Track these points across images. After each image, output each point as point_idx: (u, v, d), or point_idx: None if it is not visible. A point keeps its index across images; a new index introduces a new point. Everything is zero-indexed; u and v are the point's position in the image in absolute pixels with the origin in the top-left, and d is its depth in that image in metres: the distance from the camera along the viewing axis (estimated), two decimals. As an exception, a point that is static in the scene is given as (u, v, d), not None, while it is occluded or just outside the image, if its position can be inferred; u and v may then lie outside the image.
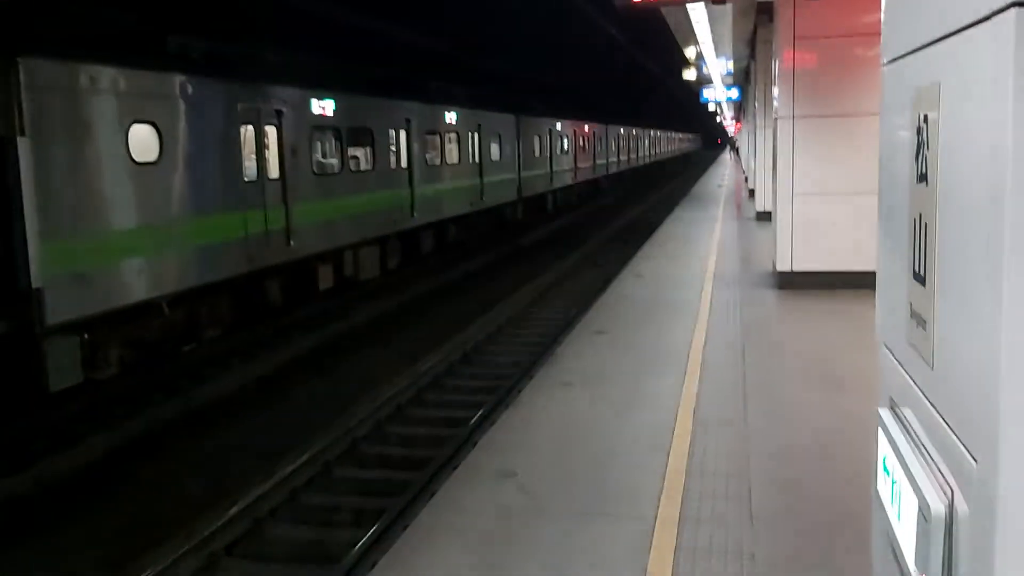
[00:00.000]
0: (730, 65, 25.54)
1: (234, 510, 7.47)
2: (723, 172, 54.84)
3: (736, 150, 70.16)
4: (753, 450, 6.30)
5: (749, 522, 5.08)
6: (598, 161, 40.69)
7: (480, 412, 9.87)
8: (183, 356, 11.89)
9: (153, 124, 10.68)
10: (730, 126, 75.22)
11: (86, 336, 9.77)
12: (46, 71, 9.10)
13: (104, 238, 9.89)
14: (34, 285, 8.81)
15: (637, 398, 7.71)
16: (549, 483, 5.77)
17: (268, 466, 8.42)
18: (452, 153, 21.13)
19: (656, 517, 5.19)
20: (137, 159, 10.35)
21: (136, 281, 10.41)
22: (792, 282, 12.39)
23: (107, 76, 9.95)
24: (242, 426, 10.28)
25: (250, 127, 12.73)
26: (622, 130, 48.74)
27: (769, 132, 16.61)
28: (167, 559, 6.65)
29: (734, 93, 32.96)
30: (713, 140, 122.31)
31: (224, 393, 11.28)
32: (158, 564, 6.59)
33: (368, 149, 16.65)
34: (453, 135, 21.18)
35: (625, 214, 34.27)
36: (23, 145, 8.65)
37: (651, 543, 4.84)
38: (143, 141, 10.52)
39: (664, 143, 75.43)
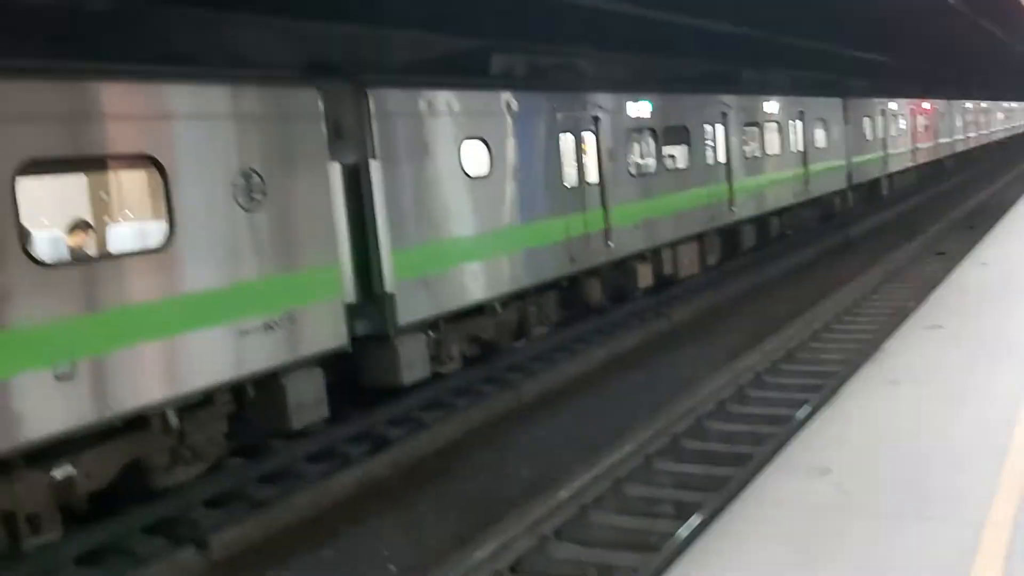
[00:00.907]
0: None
1: (562, 495, 7.98)
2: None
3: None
4: (1111, 455, 5.65)
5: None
6: (941, 140, 37.38)
7: (802, 410, 9.65)
8: (515, 352, 12.75)
9: (483, 140, 11.60)
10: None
11: (432, 335, 10.85)
12: (391, 99, 10.24)
13: (445, 246, 10.92)
14: (388, 290, 9.97)
15: (973, 395, 7.16)
16: (866, 482, 5.58)
17: (592, 457, 8.87)
18: (773, 143, 20.54)
19: (986, 521, 4.86)
20: (470, 173, 11.30)
21: (473, 284, 11.36)
22: None
23: (441, 99, 10.98)
24: (568, 418, 10.88)
25: (569, 135, 13.36)
26: (969, 104, 44.32)
27: None
28: (503, 537, 7.27)
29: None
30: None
31: (551, 387, 12.00)
32: (495, 541, 7.23)
33: (684, 147, 16.74)
34: (773, 124, 20.59)
35: (973, 196, 31.25)
36: (374, 167, 9.84)
37: (978, 547, 4.55)
38: (475, 156, 11.47)
39: (1021, 115, 67.36)
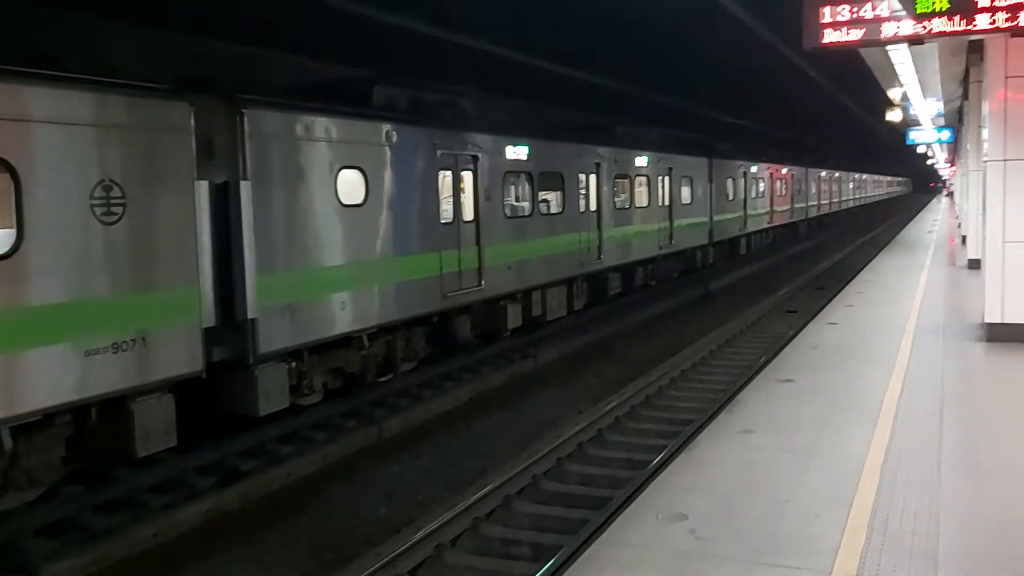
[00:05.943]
0: (940, 106, 24.25)
1: (419, 535, 7.81)
2: (935, 217, 51.76)
3: (951, 194, 66.40)
4: (945, 511, 5.96)
5: (932, 583, 4.84)
6: (796, 205, 39.50)
7: (660, 456, 9.82)
8: (379, 387, 12.52)
9: (360, 169, 11.44)
10: (944, 169, 71.25)
11: (294, 364, 10.52)
12: (266, 120, 9.99)
13: (313, 274, 10.66)
14: (249, 316, 9.63)
15: (821, 448, 7.47)
16: (720, 528, 5.71)
17: (452, 496, 8.74)
18: (642, 196, 21.18)
19: (833, 570, 5.03)
20: (345, 202, 11.11)
21: (341, 315, 11.11)
22: (1002, 334, 11.57)
23: (320, 124, 10.79)
24: (430, 456, 10.72)
25: (448, 171, 13.37)
26: (823, 173, 47.08)
27: (980, 176, 15.63)
28: (355, 577, 7.04)
29: (945, 135, 31.19)
30: (925, 184, 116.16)
31: (414, 424, 11.84)
32: (347, 581, 7.00)
33: (557, 192, 17.03)
34: (643, 178, 21.25)
35: (824, 259, 33.03)
36: (244, 188, 9.53)
37: (823, 596, 4.71)
38: (350, 185, 11.29)
39: (870, 186, 72.12)
